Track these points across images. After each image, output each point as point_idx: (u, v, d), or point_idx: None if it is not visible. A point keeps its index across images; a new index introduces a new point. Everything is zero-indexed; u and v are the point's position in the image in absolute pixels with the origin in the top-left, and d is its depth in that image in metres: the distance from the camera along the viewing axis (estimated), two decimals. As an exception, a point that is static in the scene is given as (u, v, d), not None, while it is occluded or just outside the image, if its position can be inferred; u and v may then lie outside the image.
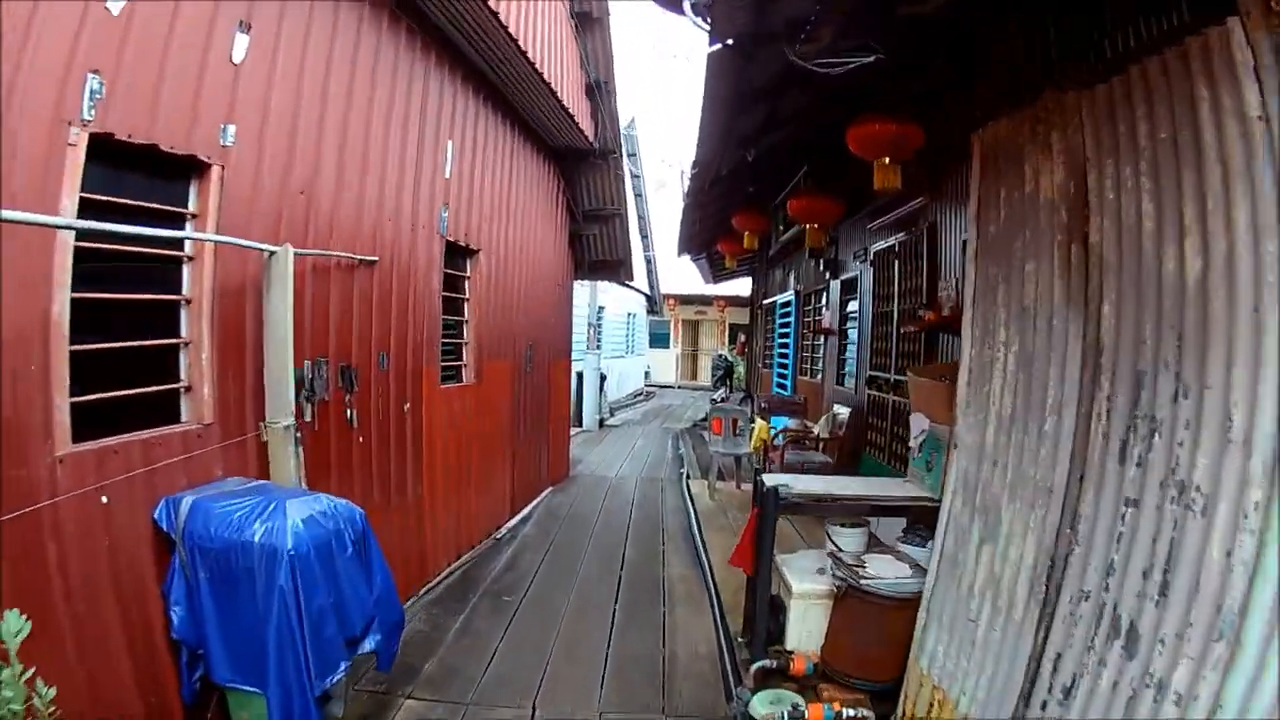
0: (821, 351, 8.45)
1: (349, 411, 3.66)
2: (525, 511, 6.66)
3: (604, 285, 15.36)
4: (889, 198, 5.59)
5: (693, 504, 6.95)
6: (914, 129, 4.09)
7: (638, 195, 19.14)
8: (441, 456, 4.80)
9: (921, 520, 3.48)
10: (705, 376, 26.03)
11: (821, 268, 8.07)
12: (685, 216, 9.50)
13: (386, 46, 3.90)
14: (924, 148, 4.25)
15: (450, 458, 4.96)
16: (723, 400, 19.36)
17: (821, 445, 6.90)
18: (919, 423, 3.80)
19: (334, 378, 3.52)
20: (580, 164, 7.77)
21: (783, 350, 10.79)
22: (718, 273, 18.48)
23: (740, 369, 15.09)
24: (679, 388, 24.39)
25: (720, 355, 14.30)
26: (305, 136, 3.22)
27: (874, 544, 3.93)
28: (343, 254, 3.56)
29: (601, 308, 15.52)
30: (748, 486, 7.33)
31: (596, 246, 8.67)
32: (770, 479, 3.70)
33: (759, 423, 7.48)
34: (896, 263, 5.86)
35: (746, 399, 12.11)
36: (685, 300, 25.36)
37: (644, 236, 20.57)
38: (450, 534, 4.98)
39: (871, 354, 6.49)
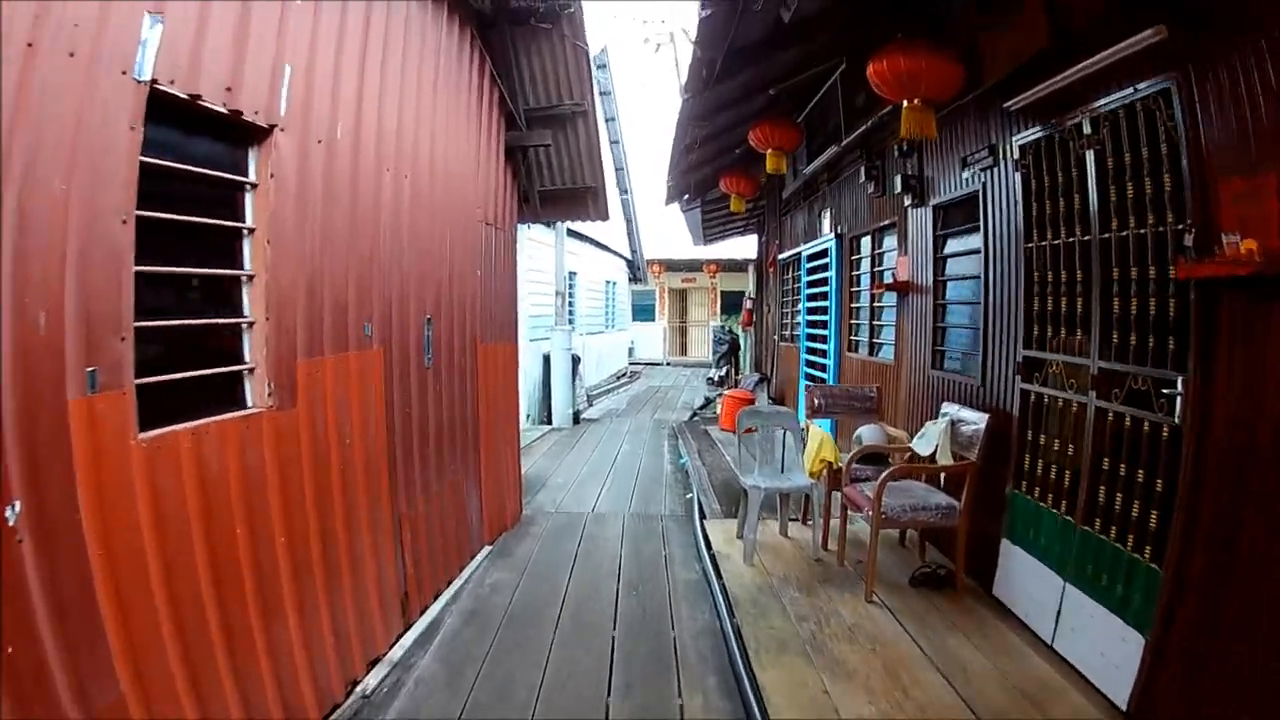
0: (894, 318, 5.68)
1: None
2: (432, 613, 3.86)
3: (575, 244, 12.46)
4: (1064, 45, 2.85)
5: (718, 577, 4.19)
6: None
7: (614, 143, 16.21)
8: (171, 597, 1.99)
9: None
10: (696, 351, 23.29)
11: (897, 190, 5.25)
12: (681, 129, 6.63)
13: None
14: None
15: (212, 586, 2.15)
16: (720, 380, 16.62)
17: (941, 480, 4.17)
18: None
19: None
20: (518, 32, 4.87)
21: (815, 319, 8.00)
22: (710, 231, 15.60)
23: (746, 343, 12.24)
24: (668, 364, 21.61)
25: (723, 327, 11.52)
26: None
27: None
28: None
29: (573, 273, 12.63)
30: (804, 532, 4.58)
31: (551, 168, 5.78)
32: None
33: (816, 433, 4.71)
34: (1089, 162, 3.10)
35: (762, 382, 9.36)
36: (672, 266, 22.50)
37: (623, 193, 17.65)
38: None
39: (1029, 322, 3.75)
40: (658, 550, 4.91)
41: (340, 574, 2.95)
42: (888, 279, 5.77)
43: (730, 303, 22.49)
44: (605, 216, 6.26)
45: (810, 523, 4.79)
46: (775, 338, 10.06)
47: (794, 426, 4.77)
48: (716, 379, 16.48)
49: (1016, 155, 3.88)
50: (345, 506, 3.01)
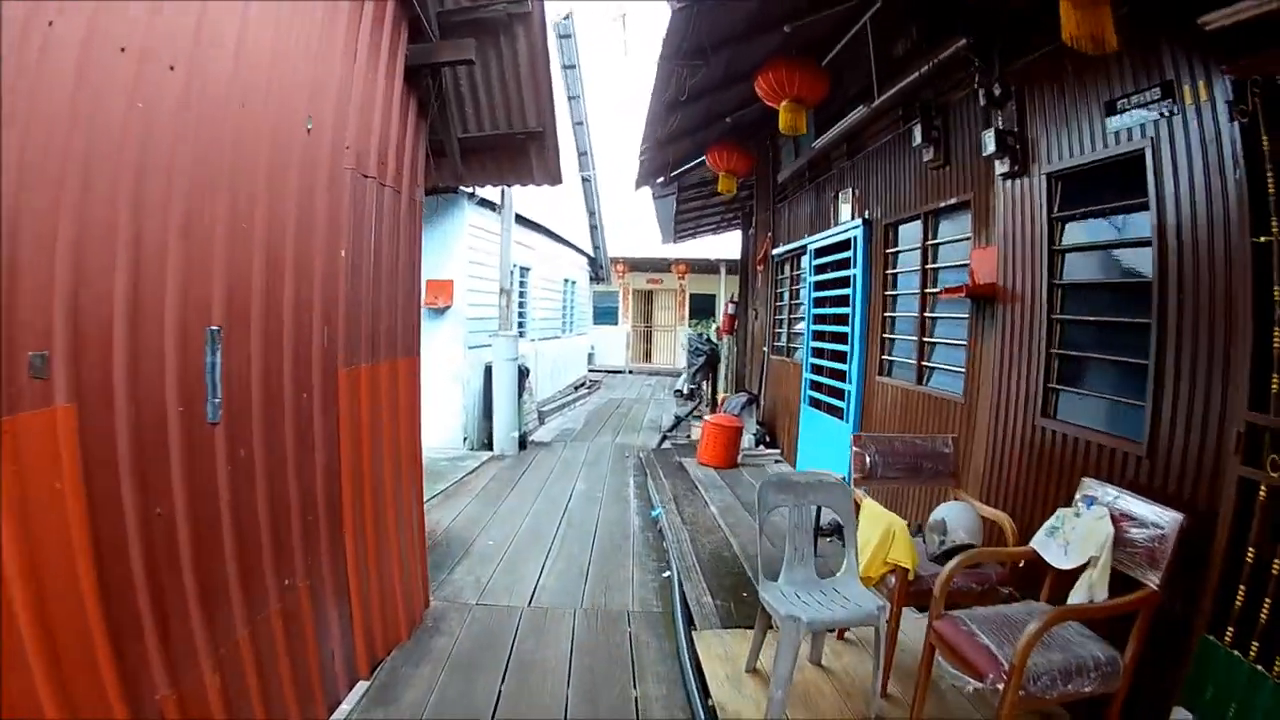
0: (964, 335, 4.06)
1: None
2: None
3: (526, 234, 10.66)
4: None
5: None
6: None
7: (573, 98, 14.37)
8: None
9: None
10: (661, 358, 21.61)
11: (989, 149, 3.60)
12: (664, 74, 4.92)
13: None
14: None
15: None
16: (690, 393, 14.90)
17: (1108, 629, 2.52)
18: None
19: None
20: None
21: (827, 329, 6.38)
22: (683, 226, 13.93)
23: (726, 354, 10.53)
24: (630, 372, 19.87)
25: (700, 335, 9.80)
26: None
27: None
28: None
29: (525, 269, 10.84)
30: (849, 657, 2.81)
31: (479, 105, 3.99)
32: None
33: (877, 514, 3.01)
34: None
35: (750, 404, 7.69)
36: (637, 266, 20.78)
37: (586, 180, 15.86)
38: None
39: (1260, 366, 2.15)
40: (625, 694, 3.16)
41: None
42: (950, 281, 4.15)
43: (699, 307, 20.85)
44: (556, 178, 4.48)
45: (850, 637, 3.15)
46: (765, 350, 8.40)
47: (843, 504, 3.05)
48: (686, 391, 14.79)
49: (1231, 96, 2.28)
50: None
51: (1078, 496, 2.75)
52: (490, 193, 8.63)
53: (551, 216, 12.08)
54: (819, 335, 6.63)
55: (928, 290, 4.64)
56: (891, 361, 5.21)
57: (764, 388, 8.36)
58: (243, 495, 2.26)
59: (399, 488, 3.51)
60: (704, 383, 9.75)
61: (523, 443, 8.58)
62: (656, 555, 4.96)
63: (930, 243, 4.63)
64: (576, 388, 15.07)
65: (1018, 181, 3.49)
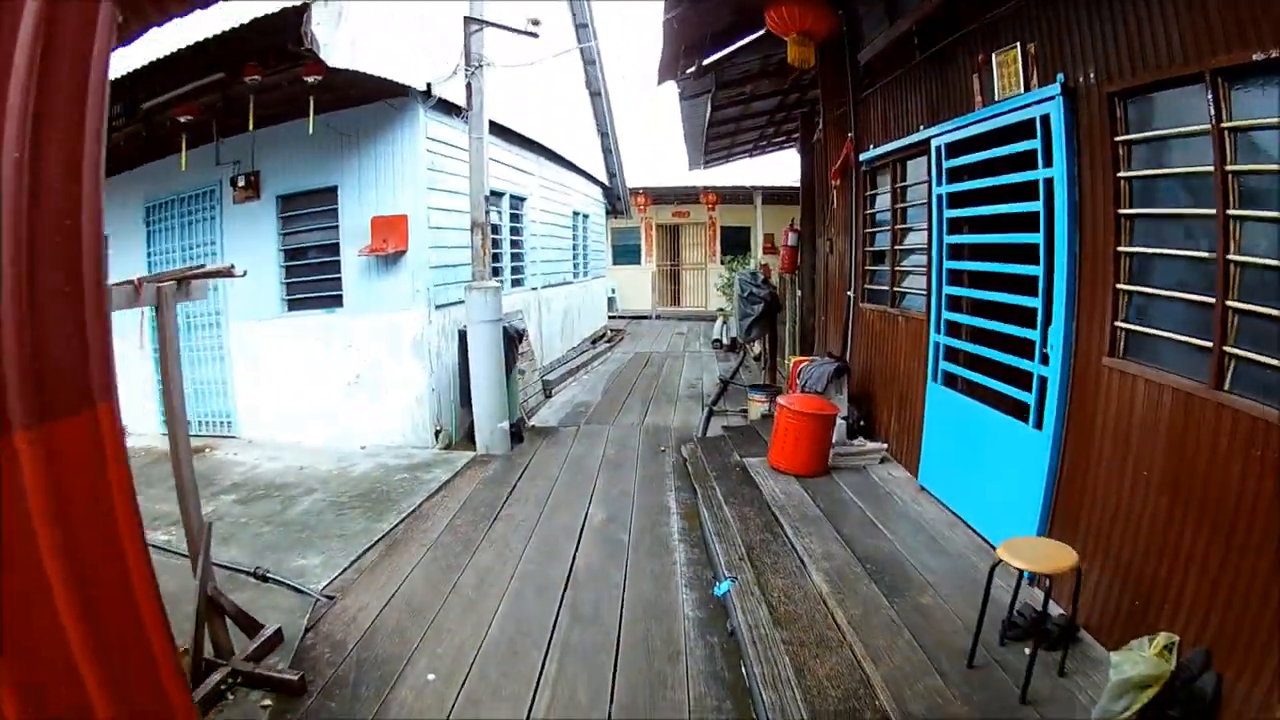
0: None
1: None
2: None
3: (515, 154, 8.18)
4: None
5: None
6: None
7: (582, 26, 11.68)
8: None
9: None
10: (692, 300, 19.12)
11: None
12: None
13: None
14: None
15: None
16: (731, 344, 12.45)
17: None
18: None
19: None
20: None
21: (983, 270, 3.91)
22: (714, 145, 11.28)
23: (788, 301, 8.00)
24: (658, 318, 17.46)
25: (753, 275, 7.29)
26: None
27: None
28: None
29: (518, 199, 8.40)
30: None
31: None
32: None
33: None
34: None
35: (839, 377, 5.28)
36: (660, 198, 18.08)
37: (595, 95, 13.11)
38: None
39: None
40: None
41: None
42: None
43: (734, 241, 18.21)
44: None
45: None
46: (849, 295, 5.94)
47: None
48: (727, 341, 12.38)
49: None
50: None
51: None
52: (455, 92, 6.14)
53: (551, 133, 9.52)
54: (958, 278, 4.18)
55: (1231, 212, 2.18)
56: (1138, 335, 2.78)
57: (848, 348, 5.95)
58: None
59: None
60: (756, 334, 7.33)
61: (517, 433, 6.32)
62: (733, 696, 2.68)
63: (1228, 125, 2.14)
64: (595, 342, 12.74)
65: None
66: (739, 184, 16.47)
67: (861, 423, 5.43)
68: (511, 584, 3.68)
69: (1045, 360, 3.40)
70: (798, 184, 8.52)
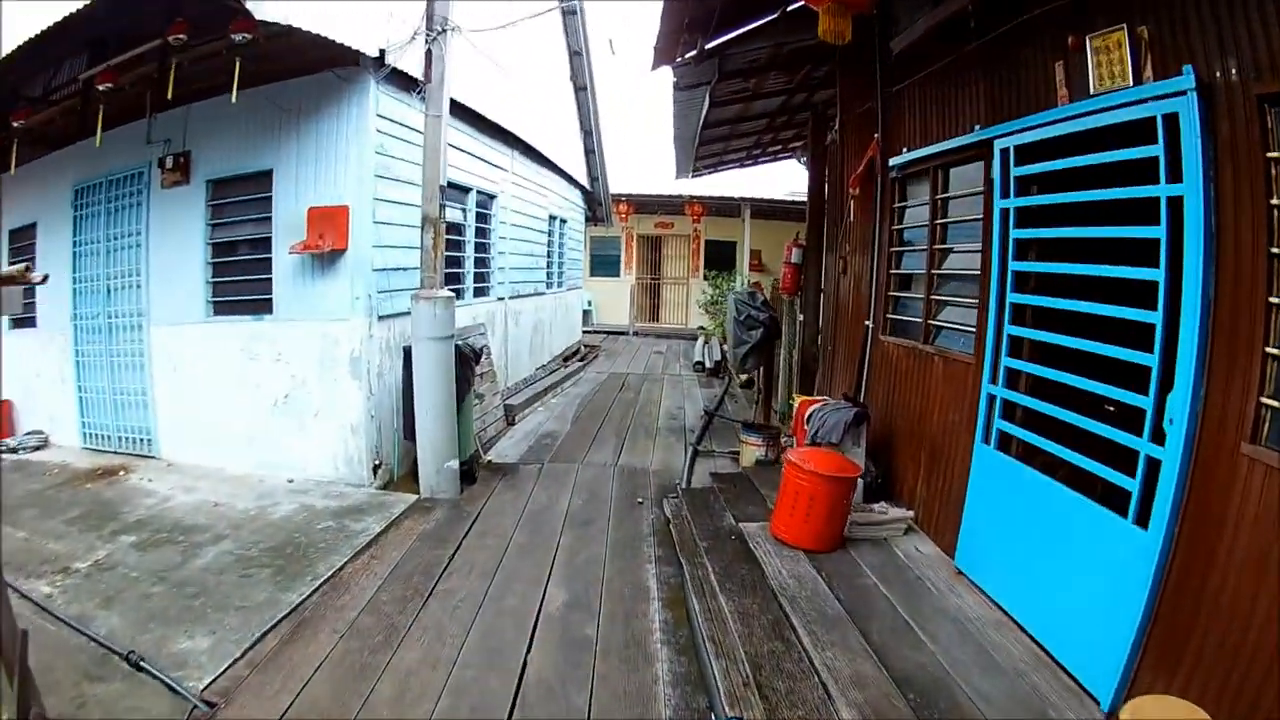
0: None
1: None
2: None
3: (485, 145, 7.24)
4: None
5: None
6: None
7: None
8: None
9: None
10: (672, 316, 18.22)
11: None
12: None
13: None
14: None
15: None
16: (715, 367, 11.50)
17: None
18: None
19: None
20: None
21: (1069, 309, 3.03)
22: (707, 150, 10.42)
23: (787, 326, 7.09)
24: (635, 334, 16.53)
25: (752, 295, 6.35)
26: None
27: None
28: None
29: (488, 197, 7.46)
30: None
31: None
32: None
33: None
34: None
35: (859, 424, 4.37)
36: (643, 206, 17.21)
37: (581, 89, 12.21)
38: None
39: None
40: None
41: None
42: None
43: (718, 256, 17.37)
44: None
45: None
46: (867, 325, 5.08)
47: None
48: (710, 364, 11.48)
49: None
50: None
51: None
52: (414, 64, 5.19)
53: (530, 127, 8.58)
54: (1024, 315, 3.33)
55: None
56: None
57: (863, 387, 5.07)
58: None
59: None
60: (751, 361, 6.39)
61: (469, 473, 5.34)
62: None
63: None
64: (567, 359, 11.77)
65: None
66: (727, 195, 15.69)
67: (879, 480, 4.54)
68: (441, 702, 2.71)
69: (1159, 438, 2.54)
70: (789, 198, 7.70)
